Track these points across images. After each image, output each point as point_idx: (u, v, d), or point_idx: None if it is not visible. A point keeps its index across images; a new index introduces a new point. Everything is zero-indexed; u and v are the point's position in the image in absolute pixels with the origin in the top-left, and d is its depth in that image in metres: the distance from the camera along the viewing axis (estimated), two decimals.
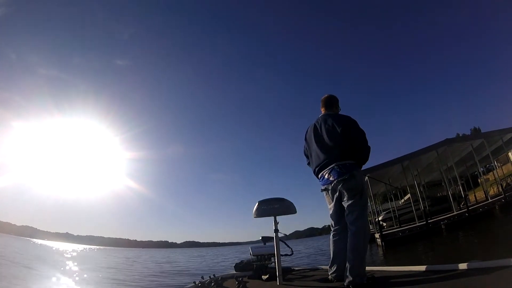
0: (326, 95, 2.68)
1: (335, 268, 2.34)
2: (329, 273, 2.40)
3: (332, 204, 2.42)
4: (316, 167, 2.49)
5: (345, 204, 2.28)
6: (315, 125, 2.58)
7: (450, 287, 1.80)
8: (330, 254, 2.45)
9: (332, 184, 2.33)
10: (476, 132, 42.12)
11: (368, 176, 16.72)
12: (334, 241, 2.41)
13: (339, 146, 2.33)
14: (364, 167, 2.50)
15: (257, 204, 2.68)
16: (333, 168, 2.32)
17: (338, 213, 2.39)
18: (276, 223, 2.62)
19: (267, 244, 3.48)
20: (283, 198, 2.72)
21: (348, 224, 2.27)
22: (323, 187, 2.48)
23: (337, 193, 2.33)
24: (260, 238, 3.55)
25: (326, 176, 2.38)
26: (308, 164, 2.72)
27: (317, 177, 2.53)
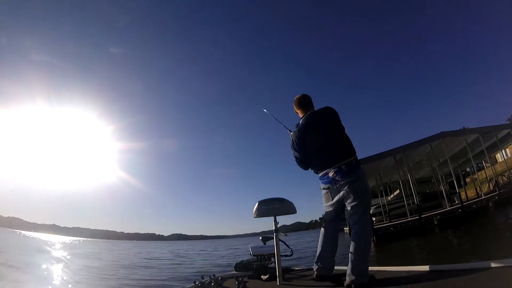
0: (301, 95, 2.63)
1: (320, 263, 2.37)
2: (314, 268, 2.40)
3: (331, 202, 2.39)
4: (319, 166, 2.43)
5: (349, 204, 2.26)
6: (310, 122, 2.46)
7: (449, 287, 1.81)
8: (318, 248, 2.44)
9: (337, 184, 2.29)
10: None
11: None
12: (325, 237, 2.42)
13: (343, 144, 2.34)
14: None
15: (257, 204, 2.69)
16: (339, 167, 2.27)
17: (336, 211, 2.40)
18: (276, 223, 2.63)
19: (267, 244, 3.47)
20: (283, 198, 2.71)
21: (351, 223, 2.27)
22: (325, 186, 2.41)
23: (340, 193, 2.29)
24: (260, 238, 3.55)
25: (331, 175, 2.32)
26: (299, 162, 2.59)
27: (319, 175, 2.46)
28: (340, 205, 2.36)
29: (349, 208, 2.28)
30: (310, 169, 2.54)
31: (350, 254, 2.14)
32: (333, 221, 2.44)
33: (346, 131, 2.43)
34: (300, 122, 2.54)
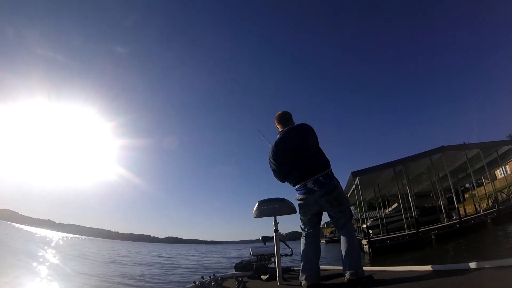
0: (281, 112, 2.78)
1: (305, 276, 2.35)
2: (300, 278, 2.37)
3: (309, 212, 2.47)
4: (296, 178, 2.50)
5: (333, 210, 2.41)
6: (285, 138, 2.59)
7: (449, 287, 1.82)
8: (301, 259, 2.47)
9: (315, 194, 2.38)
10: None
11: (358, 179, 16.04)
12: (307, 247, 2.47)
13: (318, 158, 2.47)
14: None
15: (257, 204, 2.71)
16: (317, 179, 2.37)
17: (315, 220, 2.51)
18: (276, 223, 2.67)
19: (267, 244, 3.48)
20: (283, 198, 2.73)
21: (338, 227, 2.44)
22: (303, 197, 2.47)
23: (319, 203, 2.39)
24: (260, 238, 3.55)
25: (309, 186, 2.41)
26: (276, 175, 2.66)
27: (296, 187, 2.53)
28: (318, 214, 2.50)
29: (333, 214, 2.43)
30: (286, 181, 2.62)
31: (344, 253, 2.28)
32: (312, 229, 2.52)
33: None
34: (277, 137, 2.67)
